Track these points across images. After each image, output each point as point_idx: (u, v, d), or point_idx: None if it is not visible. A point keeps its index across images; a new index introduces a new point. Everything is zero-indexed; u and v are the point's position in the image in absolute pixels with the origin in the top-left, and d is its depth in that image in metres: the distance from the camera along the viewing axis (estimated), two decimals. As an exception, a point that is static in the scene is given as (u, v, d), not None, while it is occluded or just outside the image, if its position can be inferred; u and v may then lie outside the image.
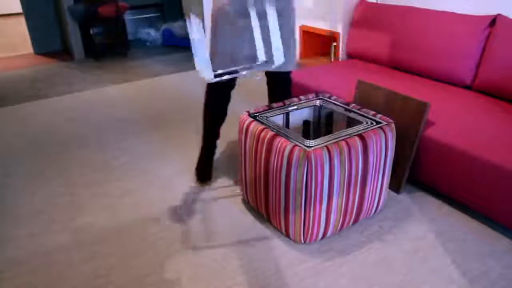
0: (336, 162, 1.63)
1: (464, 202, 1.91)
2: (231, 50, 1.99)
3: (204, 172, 2.32)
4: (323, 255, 1.74)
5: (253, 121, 1.85)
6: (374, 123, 1.81)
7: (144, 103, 3.53)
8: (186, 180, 2.34)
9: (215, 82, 1.86)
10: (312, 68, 3.00)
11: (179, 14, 6.01)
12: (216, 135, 2.35)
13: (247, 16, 1.84)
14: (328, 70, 2.90)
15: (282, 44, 1.82)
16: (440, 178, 1.98)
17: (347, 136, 1.69)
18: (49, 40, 5.51)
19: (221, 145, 2.72)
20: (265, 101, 3.46)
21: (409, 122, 2.01)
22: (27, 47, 5.88)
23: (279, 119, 1.98)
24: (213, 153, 2.38)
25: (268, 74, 2.30)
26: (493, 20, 2.36)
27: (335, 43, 3.30)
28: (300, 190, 1.64)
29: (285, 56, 1.92)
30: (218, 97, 2.21)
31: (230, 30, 1.97)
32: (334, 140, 1.66)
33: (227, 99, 2.23)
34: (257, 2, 1.81)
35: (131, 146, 2.77)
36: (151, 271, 1.70)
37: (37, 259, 1.79)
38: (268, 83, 2.36)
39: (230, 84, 2.16)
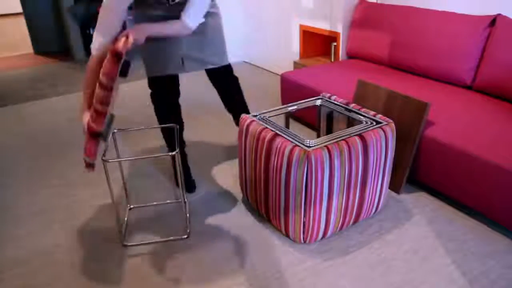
0: (336, 162, 1.63)
1: (464, 202, 1.91)
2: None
3: (187, 182, 2.24)
4: (323, 255, 1.74)
5: (253, 121, 1.85)
6: (374, 123, 1.81)
7: (144, 103, 3.53)
8: (186, 180, 2.34)
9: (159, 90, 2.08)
10: (312, 68, 3.00)
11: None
12: (181, 143, 2.24)
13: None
14: (328, 70, 2.90)
15: (212, 45, 2.07)
16: (440, 178, 1.98)
17: (347, 136, 1.69)
18: (49, 40, 5.52)
19: (221, 145, 2.72)
20: (265, 102, 3.46)
21: (409, 122, 2.01)
22: (27, 47, 5.88)
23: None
24: (185, 161, 2.29)
25: (209, 75, 2.29)
26: (493, 20, 2.36)
27: (335, 43, 3.30)
28: (300, 190, 1.64)
29: (216, 54, 2.10)
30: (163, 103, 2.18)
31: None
32: (334, 140, 1.66)
33: (172, 102, 2.19)
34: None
35: (131, 146, 2.77)
36: (151, 271, 1.70)
37: (37, 259, 1.79)
38: (215, 86, 2.34)
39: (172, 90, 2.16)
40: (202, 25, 1.98)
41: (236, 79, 2.35)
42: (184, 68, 2.06)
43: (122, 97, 3.71)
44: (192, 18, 1.84)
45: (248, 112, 2.37)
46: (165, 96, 2.15)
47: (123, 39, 1.60)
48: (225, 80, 2.31)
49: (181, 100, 2.23)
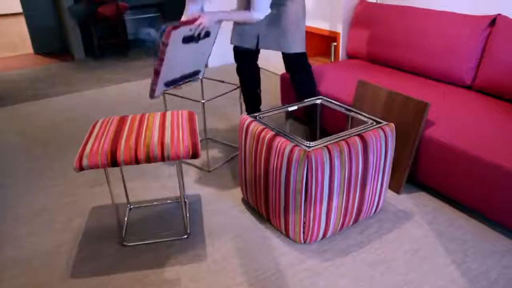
0: (336, 162, 1.63)
1: (464, 202, 1.91)
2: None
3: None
4: (323, 255, 1.74)
5: (253, 121, 1.85)
6: (374, 123, 1.81)
7: (144, 103, 3.53)
8: (186, 181, 2.34)
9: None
10: (312, 68, 3.00)
11: (179, 14, 6.01)
12: (258, 101, 2.69)
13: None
14: (328, 70, 2.90)
15: (281, 31, 2.24)
16: (440, 178, 1.98)
17: (347, 136, 1.69)
18: (49, 40, 5.52)
19: (221, 145, 2.72)
20: (265, 102, 3.46)
21: (409, 122, 2.01)
22: (27, 47, 5.88)
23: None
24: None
25: (283, 60, 2.47)
26: (493, 20, 2.36)
27: (335, 43, 3.30)
28: (300, 190, 1.64)
29: (282, 41, 2.27)
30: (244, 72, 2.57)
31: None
32: (334, 140, 1.66)
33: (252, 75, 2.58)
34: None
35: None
36: (151, 271, 1.70)
37: (37, 259, 1.79)
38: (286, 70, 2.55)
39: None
40: (279, 11, 2.21)
41: (302, 70, 2.45)
42: (256, 45, 2.35)
43: (122, 97, 3.71)
44: (257, 10, 2.12)
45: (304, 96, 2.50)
46: (240, 68, 2.52)
47: (197, 23, 2.03)
48: (290, 66, 2.45)
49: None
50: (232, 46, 4.60)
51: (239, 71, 2.57)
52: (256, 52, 2.50)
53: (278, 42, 2.29)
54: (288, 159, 1.63)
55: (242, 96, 2.63)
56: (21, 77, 4.48)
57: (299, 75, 2.44)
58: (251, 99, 2.66)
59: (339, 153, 1.63)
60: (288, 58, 2.40)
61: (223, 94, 2.73)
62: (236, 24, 2.39)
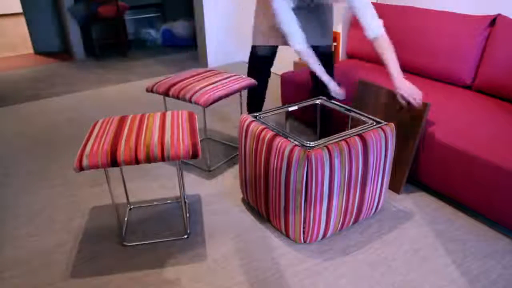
0: (336, 162, 1.63)
1: (464, 202, 1.91)
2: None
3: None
4: (323, 255, 1.74)
5: (253, 121, 1.85)
6: (374, 123, 1.81)
7: (145, 103, 3.54)
8: (186, 181, 2.34)
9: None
10: (312, 68, 3.00)
11: (179, 14, 6.01)
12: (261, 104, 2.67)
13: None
14: (328, 70, 2.90)
15: (323, 25, 2.29)
16: (440, 178, 1.98)
17: (347, 136, 1.69)
18: (49, 40, 5.52)
19: (220, 144, 2.72)
20: (265, 102, 3.46)
21: (409, 122, 2.01)
22: (27, 47, 5.88)
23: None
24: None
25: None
26: (493, 20, 2.36)
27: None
28: (300, 190, 1.64)
29: (326, 35, 2.33)
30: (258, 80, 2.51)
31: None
32: (334, 140, 1.66)
33: (265, 83, 2.56)
34: None
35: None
36: (151, 271, 1.70)
37: (37, 259, 1.79)
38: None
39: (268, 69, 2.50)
40: (317, 8, 2.24)
41: (332, 63, 2.49)
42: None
43: (122, 97, 3.71)
44: (377, 21, 1.97)
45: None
46: (258, 69, 2.44)
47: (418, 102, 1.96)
48: (323, 58, 2.44)
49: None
50: (231, 46, 4.59)
51: (256, 71, 2.48)
52: (276, 52, 2.45)
53: (321, 36, 2.31)
54: (288, 159, 1.63)
55: (243, 95, 2.61)
56: (21, 77, 4.48)
57: (331, 69, 2.44)
58: (258, 99, 2.62)
59: (339, 153, 1.63)
60: (325, 52, 2.39)
61: (223, 94, 2.71)
62: (263, 23, 2.30)
